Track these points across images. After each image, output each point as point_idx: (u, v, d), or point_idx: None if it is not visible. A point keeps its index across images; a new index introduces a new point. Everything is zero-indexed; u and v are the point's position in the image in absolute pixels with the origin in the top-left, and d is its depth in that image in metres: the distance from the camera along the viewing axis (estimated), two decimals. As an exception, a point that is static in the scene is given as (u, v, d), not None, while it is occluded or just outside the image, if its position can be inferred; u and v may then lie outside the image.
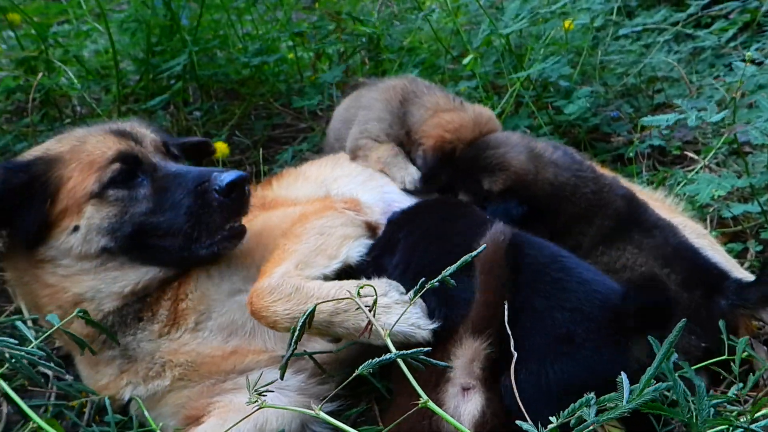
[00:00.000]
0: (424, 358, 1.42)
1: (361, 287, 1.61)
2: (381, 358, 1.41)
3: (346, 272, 2.05)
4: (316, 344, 2.07)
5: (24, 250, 2.07)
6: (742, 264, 2.66)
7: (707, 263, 2.12)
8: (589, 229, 2.20)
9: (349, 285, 1.82)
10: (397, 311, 1.71)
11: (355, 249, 2.04)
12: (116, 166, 2.08)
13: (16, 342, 1.87)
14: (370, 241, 2.11)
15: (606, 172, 2.60)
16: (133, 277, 2.09)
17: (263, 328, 2.05)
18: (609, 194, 2.26)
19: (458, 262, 1.53)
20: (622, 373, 1.36)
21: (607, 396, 1.33)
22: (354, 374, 1.44)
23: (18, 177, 2.03)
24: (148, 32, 3.74)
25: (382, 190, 2.47)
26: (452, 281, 1.55)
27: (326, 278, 1.96)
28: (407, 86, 2.79)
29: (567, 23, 3.84)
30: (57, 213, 2.04)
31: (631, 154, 3.37)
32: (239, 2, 4.32)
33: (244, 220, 2.19)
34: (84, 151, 2.11)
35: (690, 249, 2.16)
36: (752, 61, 2.80)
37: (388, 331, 1.50)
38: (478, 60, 3.60)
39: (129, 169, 2.10)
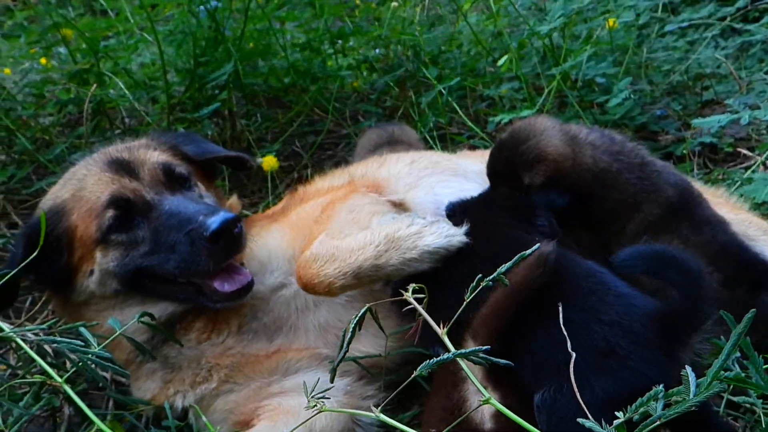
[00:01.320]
0: (484, 356, 1.40)
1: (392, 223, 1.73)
2: (439, 358, 1.40)
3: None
4: (362, 347, 2.09)
5: (61, 294, 2.25)
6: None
7: (754, 260, 2.04)
8: (635, 215, 2.10)
9: (379, 228, 1.92)
10: (429, 231, 1.86)
11: (385, 221, 2.05)
12: (110, 212, 2.11)
13: (83, 344, 1.93)
14: (398, 215, 2.10)
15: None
16: (155, 309, 2.14)
17: (303, 323, 2.10)
18: (659, 181, 2.14)
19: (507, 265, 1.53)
20: (686, 367, 1.32)
21: (674, 389, 1.30)
22: (413, 375, 1.44)
23: (36, 237, 2.11)
24: (194, 43, 3.82)
25: (433, 190, 2.46)
26: (505, 280, 1.57)
27: None
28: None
29: (611, 21, 3.79)
30: (76, 260, 2.17)
31: (684, 152, 3.29)
32: (281, 11, 4.39)
33: (281, 217, 2.27)
34: (83, 197, 2.17)
35: (737, 246, 2.07)
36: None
37: (444, 331, 1.47)
38: (514, 60, 3.56)
39: (123, 213, 2.12)
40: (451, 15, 5.16)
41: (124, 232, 2.11)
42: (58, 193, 2.27)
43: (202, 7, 3.82)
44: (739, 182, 2.92)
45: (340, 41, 4.34)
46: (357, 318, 1.60)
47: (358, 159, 3.21)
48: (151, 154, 2.28)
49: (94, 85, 3.32)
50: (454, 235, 1.87)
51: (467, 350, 1.42)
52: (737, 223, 2.17)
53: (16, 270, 2.06)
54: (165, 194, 2.16)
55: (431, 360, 1.39)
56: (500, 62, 3.95)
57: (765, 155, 3.13)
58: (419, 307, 1.55)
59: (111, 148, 2.37)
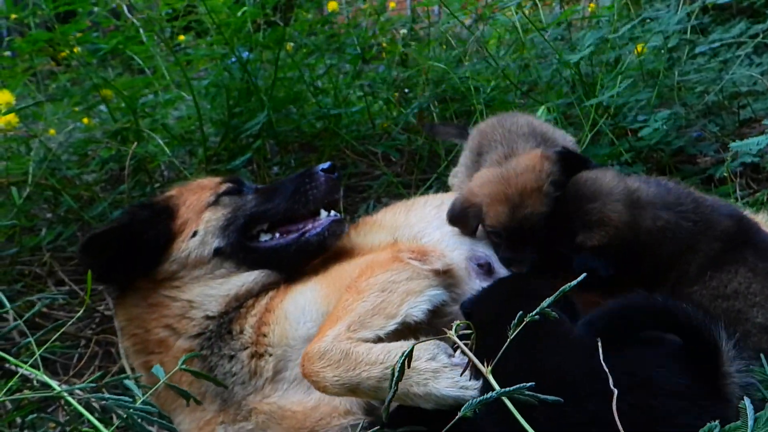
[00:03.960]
0: (530, 393, 1.36)
1: (409, 351, 1.56)
2: (483, 397, 1.36)
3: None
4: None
5: (143, 280, 2.25)
6: None
7: None
8: (694, 257, 2.03)
9: (398, 348, 1.79)
10: (446, 375, 1.70)
11: (418, 307, 1.97)
12: (227, 184, 2.41)
13: (129, 400, 1.95)
14: (437, 291, 2.05)
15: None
16: (238, 281, 2.26)
17: None
18: (713, 216, 2.08)
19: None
20: (744, 398, 1.26)
21: (730, 425, 1.24)
22: (458, 416, 1.39)
23: (143, 212, 2.33)
24: (227, 95, 3.93)
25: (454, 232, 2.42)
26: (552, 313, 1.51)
27: (381, 339, 1.91)
28: (486, 133, 2.67)
29: (639, 47, 3.77)
30: (178, 226, 2.29)
31: (725, 174, 3.21)
32: (311, 59, 4.50)
33: (321, 272, 2.27)
34: (194, 184, 2.46)
35: None
36: None
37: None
38: (553, 108, 3.53)
39: (237, 187, 2.42)
40: (476, 52, 5.19)
41: (237, 195, 2.38)
42: (178, 189, 2.53)
43: (234, 59, 3.96)
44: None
45: (368, 85, 4.39)
46: (405, 354, 1.56)
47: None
48: None
49: (135, 143, 3.43)
50: (468, 388, 1.69)
51: (512, 388, 1.37)
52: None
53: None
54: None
55: (474, 400, 1.36)
56: (538, 113, 3.90)
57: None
58: (463, 346, 1.51)
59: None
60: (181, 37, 5.27)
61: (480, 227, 2.37)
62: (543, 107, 3.31)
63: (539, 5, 3.98)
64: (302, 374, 1.93)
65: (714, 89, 4.06)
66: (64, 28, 3.59)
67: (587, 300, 1.96)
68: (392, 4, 5.78)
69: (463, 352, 1.49)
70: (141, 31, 4.02)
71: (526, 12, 4.53)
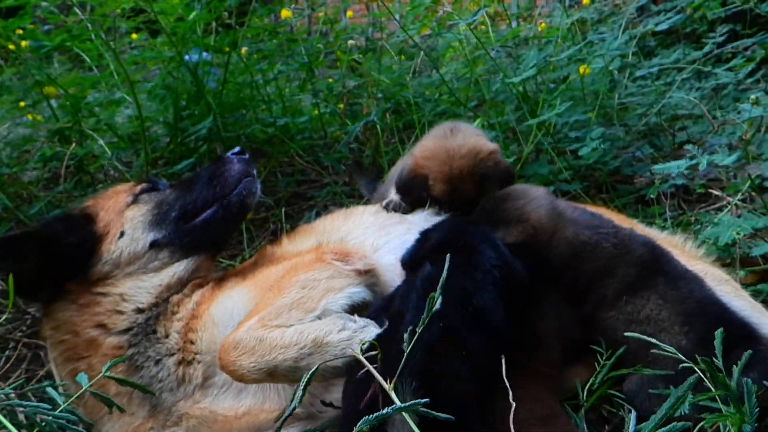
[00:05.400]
0: (424, 410, 1.39)
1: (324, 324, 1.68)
2: (380, 413, 1.38)
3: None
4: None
5: (73, 284, 2.24)
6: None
7: (731, 320, 2.01)
8: (612, 281, 2.14)
9: (310, 328, 1.85)
10: (361, 337, 1.79)
11: (337, 302, 2.02)
12: (141, 185, 2.46)
13: (49, 407, 1.92)
14: (357, 290, 2.10)
15: (627, 223, 2.57)
16: (169, 271, 2.30)
17: (272, 385, 2.06)
18: (630, 242, 2.20)
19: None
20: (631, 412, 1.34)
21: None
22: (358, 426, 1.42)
23: (59, 222, 2.32)
24: (175, 98, 3.90)
25: (389, 239, 2.48)
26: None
27: None
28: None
29: (582, 68, 3.88)
30: (101, 228, 2.29)
31: (652, 196, 3.33)
32: (262, 65, 4.50)
33: (250, 275, 2.31)
34: (109, 192, 2.48)
35: (715, 304, 2.06)
36: (757, 103, 2.76)
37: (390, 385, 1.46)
38: (493, 116, 3.63)
39: (152, 186, 2.48)
40: (430, 64, 5.27)
41: (155, 191, 2.44)
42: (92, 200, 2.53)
43: (186, 58, 3.93)
44: (708, 225, 2.94)
45: (316, 94, 4.41)
46: (309, 376, 1.59)
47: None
48: None
49: (74, 143, 3.37)
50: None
51: (408, 403, 1.40)
52: (694, 275, 2.18)
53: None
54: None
55: (371, 416, 1.38)
56: (474, 124, 3.99)
57: (735, 198, 3.16)
58: (368, 365, 1.54)
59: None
60: (134, 36, 5.21)
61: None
62: (478, 119, 3.38)
63: (488, 23, 4.05)
64: (220, 367, 1.94)
65: (653, 111, 4.21)
66: (7, 23, 3.52)
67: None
68: (349, 13, 5.81)
69: (369, 371, 1.51)
70: (90, 27, 3.97)
71: (482, 27, 4.63)
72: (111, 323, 2.20)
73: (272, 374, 1.83)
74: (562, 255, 2.18)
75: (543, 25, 4.81)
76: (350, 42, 4.35)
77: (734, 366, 1.47)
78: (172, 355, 2.16)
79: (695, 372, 1.49)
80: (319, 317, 1.96)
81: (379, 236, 2.49)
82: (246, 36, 4.36)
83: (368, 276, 2.23)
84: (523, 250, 2.14)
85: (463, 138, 2.62)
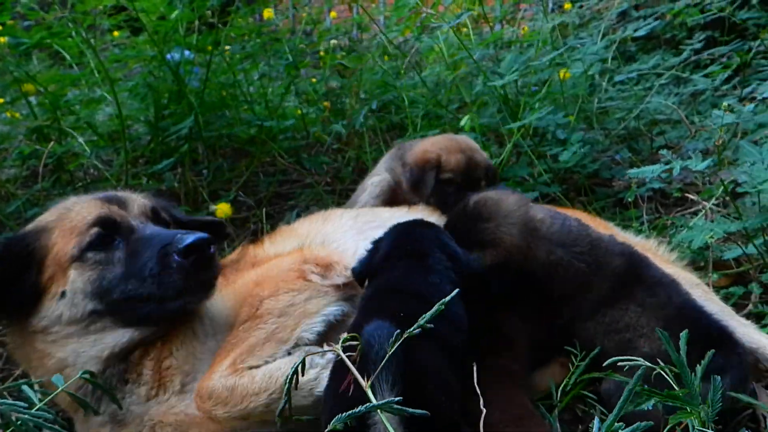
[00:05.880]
0: (399, 407, 1.40)
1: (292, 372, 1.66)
2: (353, 411, 1.40)
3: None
4: None
5: (19, 320, 2.14)
6: (745, 307, 2.64)
7: (709, 326, 2.05)
8: (586, 297, 2.15)
9: (279, 371, 1.89)
10: (326, 375, 1.82)
11: (311, 329, 2.05)
12: (95, 230, 2.12)
13: (25, 405, 1.91)
14: (335, 308, 2.13)
15: (603, 227, 2.59)
16: (110, 340, 2.10)
17: None
18: (605, 257, 2.19)
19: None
20: (595, 419, 1.37)
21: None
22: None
23: (13, 250, 2.13)
24: (156, 97, 3.88)
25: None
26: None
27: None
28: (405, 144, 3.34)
29: (562, 73, 3.92)
30: (45, 281, 2.10)
31: (629, 199, 3.38)
32: (245, 64, 4.49)
33: (231, 282, 2.25)
34: (67, 218, 2.17)
35: (693, 308, 2.10)
36: (731, 110, 2.82)
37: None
38: (476, 119, 3.67)
39: (106, 233, 2.13)
40: (413, 66, 5.29)
41: (102, 251, 2.10)
42: (43, 217, 2.26)
43: (169, 57, 3.91)
44: (684, 229, 2.99)
45: (298, 94, 4.42)
46: (295, 367, 1.62)
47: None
48: (142, 199, 2.37)
49: (51, 142, 3.35)
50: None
51: (383, 401, 1.42)
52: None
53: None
54: (149, 223, 2.23)
55: (344, 414, 1.39)
56: (462, 123, 4.02)
57: (710, 202, 3.22)
58: (347, 359, 1.55)
59: (105, 192, 2.45)
60: (116, 33, 5.17)
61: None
62: (467, 117, 3.44)
63: (470, 27, 4.08)
64: (197, 409, 1.98)
65: (632, 116, 4.26)
66: (-16, 19, 3.49)
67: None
68: (333, 14, 5.82)
69: (346, 366, 1.52)
70: (71, 25, 3.93)
71: (464, 30, 4.66)
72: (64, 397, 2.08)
73: (246, 418, 1.91)
74: (535, 273, 2.18)
75: (525, 28, 4.85)
76: (333, 42, 4.36)
77: (697, 365, 1.50)
78: (146, 385, 2.13)
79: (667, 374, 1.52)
80: (290, 351, 2.00)
81: (358, 240, 2.50)
82: (229, 35, 4.35)
83: (348, 289, 2.23)
84: (499, 269, 2.16)
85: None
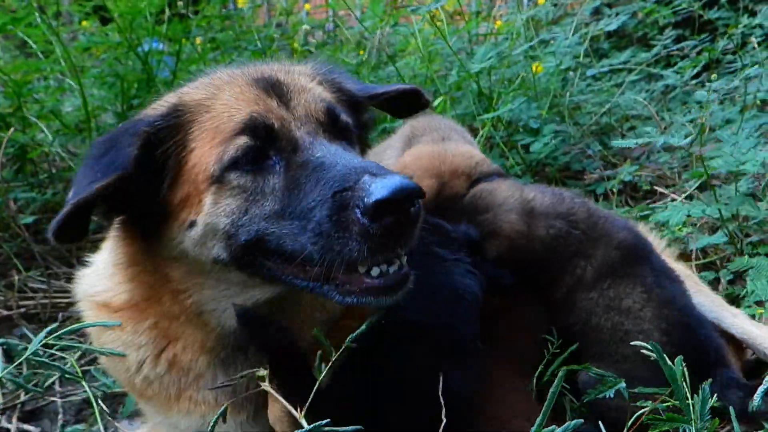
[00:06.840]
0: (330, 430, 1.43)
1: None
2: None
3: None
4: None
5: (147, 239, 1.68)
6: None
7: (708, 342, 2.02)
8: (589, 262, 2.11)
9: None
10: None
11: None
12: (243, 140, 1.53)
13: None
14: None
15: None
16: (257, 293, 1.69)
17: None
18: (605, 226, 2.17)
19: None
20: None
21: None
22: None
23: (153, 152, 1.56)
24: (124, 86, 3.81)
25: None
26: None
27: None
28: (419, 124, 3.01)
29: (535, 66, 3.93)
30: (177, 200, 1.58)
31: (605, 190, 3.40)
32: (216, 54, 4.43)
33: None
34: (213, 109, 1.59)
35: (692, 317, 2.06)
36: (700, 104, 2.85)
37: None
38: (447, 102, 3.66)
39: (259, 146, 1.54)
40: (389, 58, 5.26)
41: (251, 173, 1.53)
42: (188, 91, 1.68)
43: (139, 48, 3.85)
44: (660, 210, 3.00)
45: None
46: (220, 413, 1.54)
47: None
48: (314, 86, 1.72)
49: (11, 129, 3.26)
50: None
51: (314, 424, 1.40)
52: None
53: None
54: (320, 137, 1.59)
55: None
56: (434, 104, 4.03)
57: (683, 196, 3.26)
58: (270, 389, 1.55)
59: (264, 65, 1.80)
60: (84, 23, 5.07)
61: None
62: (440, 98, 3.41)
63: (444, 20, 4.06)
64: None
65: (603, 111, 4.29)
66: (-56, 4, 3.38)
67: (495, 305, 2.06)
68: (307, 6, 5.78)
69: (275, 398, 1.51)
70: (37, 12, 3.84)
71: (438, 24, 4.65)
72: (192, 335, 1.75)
73: None
74: (537, 251, 2.15)
75: (499, 22, 4.85)
76: (304, 27, 4.29)
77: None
78: None
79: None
80: None
81: None
82: (200, 25, 4.29)
83: None
84: (503, 260, 2.13)
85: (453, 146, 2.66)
